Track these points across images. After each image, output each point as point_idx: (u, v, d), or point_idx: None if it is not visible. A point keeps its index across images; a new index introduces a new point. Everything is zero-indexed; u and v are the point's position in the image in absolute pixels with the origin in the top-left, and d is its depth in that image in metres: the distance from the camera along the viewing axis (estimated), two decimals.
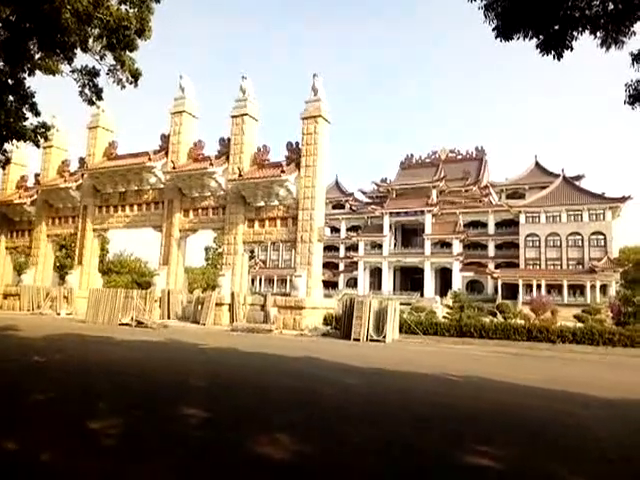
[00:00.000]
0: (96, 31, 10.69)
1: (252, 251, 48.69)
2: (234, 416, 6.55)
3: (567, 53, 5.88)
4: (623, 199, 51.80)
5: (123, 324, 23.71)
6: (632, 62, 6.16)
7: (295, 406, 7.34)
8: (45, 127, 13.70)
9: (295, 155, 28.06)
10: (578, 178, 58.88)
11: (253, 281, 63.59)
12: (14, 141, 13.57)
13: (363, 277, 62.16)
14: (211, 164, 28.72)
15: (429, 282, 58.25)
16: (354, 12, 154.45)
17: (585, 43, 6.41)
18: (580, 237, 52.89)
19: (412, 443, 5.51)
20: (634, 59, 6.13)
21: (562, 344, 19.33)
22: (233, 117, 29.87)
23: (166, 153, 31.47)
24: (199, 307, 26.97)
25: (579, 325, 22.95)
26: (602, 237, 52.06)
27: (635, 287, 42.33)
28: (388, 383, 9.93)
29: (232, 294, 26.68)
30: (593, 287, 48.93)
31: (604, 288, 49.07)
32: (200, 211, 30.50)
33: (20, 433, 5.25)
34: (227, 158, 29.59)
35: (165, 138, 32.15)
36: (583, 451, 5.46)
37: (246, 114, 29.49)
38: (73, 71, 11.71)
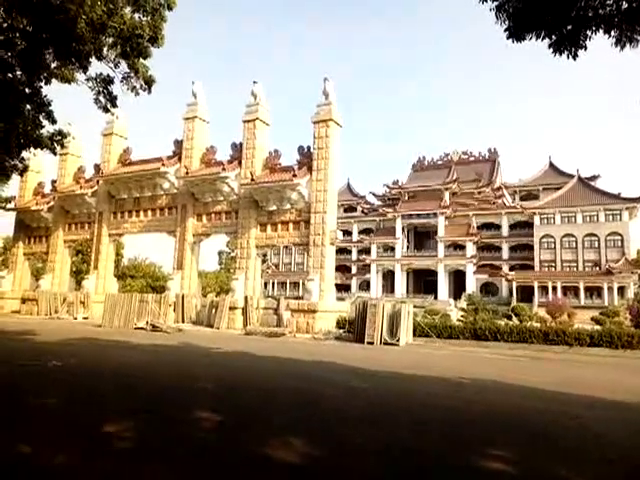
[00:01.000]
0: (110, 39, 10.87)
1: (265, 255, 48.88)
2: (246, 420, 6.57)
3: (581, 53, 5.83)
4: None
5: (138, 328, 23.95)
6: None
7: (306, 409, 7.34)
8: (61, 135, 13.95)
9: (306, 159, 28.15)
10: (593, 178, 58.08)
11: (266, 285, 63.82)
12: (31, 149, 13.83)
13: (376, 280, 61.98)
14: (224, 169, 28.94)
15: (442, 285, 57.85)
16: (356, 12, 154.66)
17: (599, 42, 6.35)
18: (596, 238, 52.13)
19: (421, 448, 5.47)
20: None
21: (579, 347, 19.01)
22: (245, 122, 30.08)
23: (179, 158, 31.80)
24: (213, 311, 27.11)
25: (597, 327, 22.57)
26: (619, 238, 51.25)
27: None
28: (400, 386, 9.87)
29: (245, 298, 26.78)
30: (610, 289, 48.15)
31: (622, 290, 48.27)
32: (213, 215, 30.73)
33: (35, 437, 5.33)
34: (239, 163, 29.79)
35: (178, 143, 32.50)
36: (585, 452, 5.39)
37: (257, 119, 29.67)
38: (88, 79, 11.91)
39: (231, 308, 26.78)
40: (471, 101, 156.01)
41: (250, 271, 28.66)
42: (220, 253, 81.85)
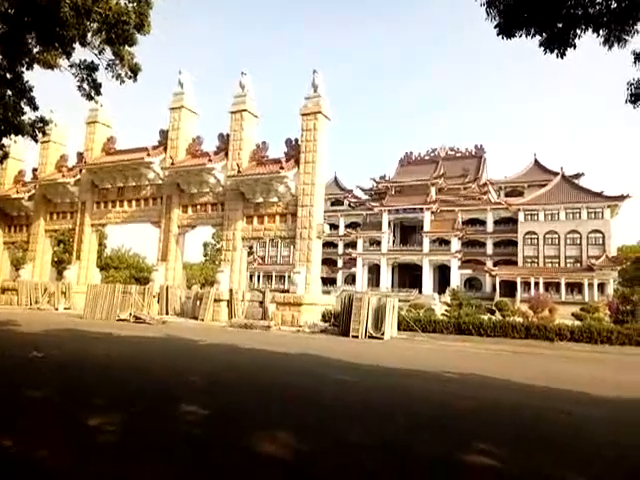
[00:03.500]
0: (95, 25, 10.59)
1: (251, 247, 48.59)
2: (232, 413, 6.54)
3: (570, 51, 5.86)
4: (622, 197, 51.90)
5: (121, 320, 23.69)
6: (634, 61, 6.13)
7: (292, 403, 7.33)
8: (43, 122, 13.61)
9: (294, 151, 28.01)
10: (577, 176, 58.92)
11: (251, 277, 63.61)
12: (12, 135, 13.48)
13: (362, 274, 62.19)
14: (210, 160, 28.65)
15: (427, 279, 58.33)
16: (354, 11, 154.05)
17: (587, 41, 6.38)
18: (579, 235, 52.99)
19: (408, 441, 5.51)
20: (636, 58, 6.10)
21: (560, 342, 19.38)
22: (232, 113, 29.79)
23: (165, 149, 31.39)
24: (197, 303, 26.95)
25: (577, 323, 23.00)
26: (600, 235, 52.16)
27: (633, 285, 42.47)
28: (386, 381, 9.93)
29: (230, 290, 26.67)
30: (591, 285, 49.07)
31: (602, 286, 49.21)
32: (199, 207, 30.45)
33: (17, 430, 5.23)
34: (226, 154, 29.53)
35: (164, 133, 32.06)
36: (577, 450, 5.47)
37: (245, 110, 29.40)
38: (72, 65, 11.62)
39: (216, 300, 26.65)
40: (460, 100, 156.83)
41: (236, 263, 28.52)
42: (205, 245, 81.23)
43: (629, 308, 26.88)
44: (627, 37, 5.73)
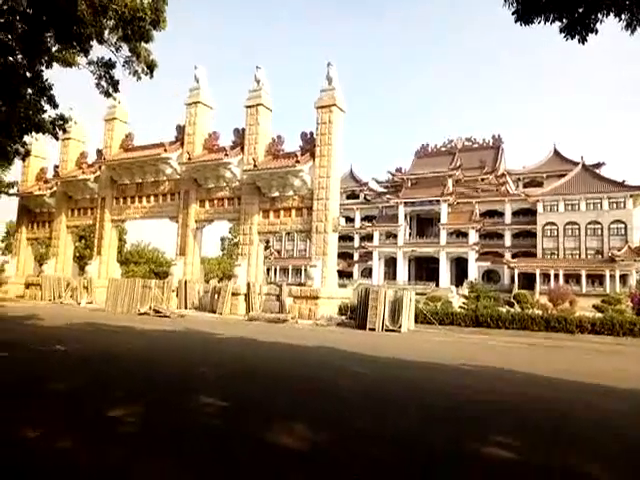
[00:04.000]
0: (111, 23, 10.71)
1: (267, 241, 48.88)
2: (250, 405, 6.62)
3: (591, 37, 5.71)
4: None
5: (142, 313, 24.09)
6: None
7: (309, 395, 7.38)
8: (63, 119, 13.87)
9: (309, 145, 27.96)
10: (598, 166, 57.59)
11: (268, 271, 63.94)
12: (33, 133, 13.76)
13: (378, 267, 61.97)
14: (226, 155, 28.80)
15: (444, 272, 57.85)
16: (370, 2, 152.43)
17: (607, 26, 6.22)
18: (600, 226, 51.89)
19: (423, 433, 5.50)
20: None
21: (581, 334, 19.07)
22: (247, 107, 29.84)
23: (181, 144, 31.64)
24: (215, 297, 27.23)
25: (598, 315, 22.57)
26: (622, 226, 50.98)
27: None
28: (406, 374, 9.91)
29: (248, 284, 26.86)
30: (612, 277, 48.08)
31: (624, 278, 48.19)
32: (216, 202, 30.67)
33: (39, 421, 5.37)
34: (242, 149, 29.63)
35: (180, 129, 32.31)
36: (603, 444, 5.39)
37: (260, 104, 29.42)
38: (89, 63, 11.78)
39: (233, 294, 26.88)
40: (478, 91, 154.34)
41: (252, 257, 28.69)
42: (223, 239, 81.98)
43: None
44: None
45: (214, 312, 26.29)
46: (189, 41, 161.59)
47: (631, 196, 51.16)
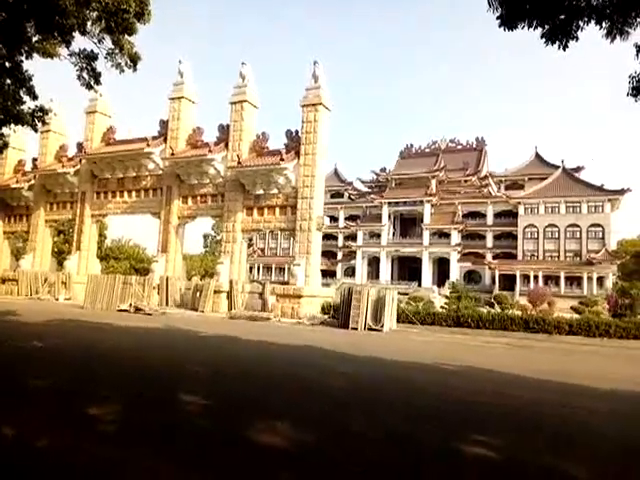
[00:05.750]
0: (94, 14, 10.51)
1: (250, 239, 48.58)
2: (232, 404, 6.59)
3: (572, 43, 5.82)
4: (622, 191, 51.76)
5: (122, 310, 23.75)
6: (636, 53, 6.09)
7: (292, 394, 7.38)
8: (43, 111, 13.56)
9: (294, 143, 27.91)
10: (578, 170, 58.74)
11: (251, 269, 63.69)
12: (12, 125, 13.45)
13: (361, 266, 62.23)
14: (210, 151, 28.57)
15: (427, 272, 58.38)
16: (357, 5, 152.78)
17: (590, 34, 6.35)
18: (578, 229, 52.95)
19: (409, 433, 5.55)
20: (638, 50, 6.06)
21: (558, 335, 19.45)
22: (232, 103, 29.65)
23: (165, 139, 31.28)
24: (197, 294, 27.00)
25: (576, 316, 23.06)
26: (600, 229, 52.12)
27: (632, 279, 42.54)
28: (385, 372, 9.98)
29: (230, 282, 26.70)
30: (590, 279, 49.13)
31: (601, 280, 49.28)
32: (199, 198, 30.41)
33: (18, 418, 5.27)
34: (226, 145, 29.43)
35: (164, 124, 31.93)
36: (580, 443, 5.50)
37: (245, 100, 29.25)
38: (71, 54, 11.55)
39: (216, 292, 26.70)
40: (462, 92, 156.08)
41: (235, 255, 28.54)
42: (205, 236, 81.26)
43: (628, 302, 26.96)
44: (629, 29, 5.69)
45: (196, 310, 26.07)
46: (175, 35, 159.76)
47: (609, 200, 52.31)
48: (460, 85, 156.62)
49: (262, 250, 69.59)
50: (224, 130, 30.04)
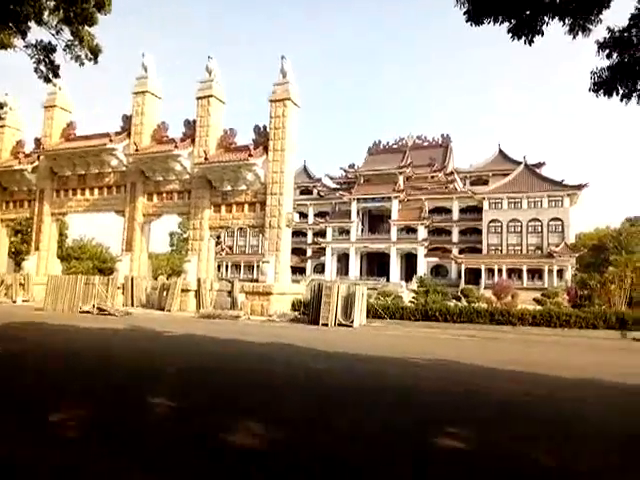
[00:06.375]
0: (52, 3, 10.06)
1: (218, 236, 47.92)
2: (203, 405, 6.44)
3: (538, 38, 5.94)
4: (580, 186, 53.73)
5: (84, 312, 22.98)
6: (598, 50, 6.27)
7: (263, 392, 7.28)
8: None
9: (263, 139, 27.62)
10: (539, 165, 60.58)
11: (219, 267, 62.87)
12: None
13: (331, 263, 62.42)
14: (176, 146, 27.96)
15: (395, 267, 59.10)
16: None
17: (554, 30, 6.49)
18: (539, 223, 54.67)
19: (386, 427, 5.56)
20: (600, 47, 6.24)
21: (522, 326, 20.04)
22: (198, 99, 29.08)
23: (128, 134, 30.41)
24: (164, 294, 26.42)
25: (538, 308, 23.82)
26: (560, 223, 53.97)
27: (590, 271, 44.28)
28: (358, 367, 10.01)
29: (198, 280, 26.26)
30: (551, 271, 50.87)
31: (561, 272, 51.09)
32: (165, 195, 29.73)
33: None
34: (192, 141, 28.86)
35: (127, 119, 31.02)
36: (549, 430, 5.65)
37: (212, 95, 28.75)
38: (27, 46, 11.01)
39: (183, 290, 26.21)
40: (439, 90, 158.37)
41: (203, 253, 28.07)
42: (172, 234, 79.79)
43: (586, 293, 28.07)
44: (591, 26, 5.84)
45: (162, 309, 25.51)
46: (141, 30, 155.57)
47: (568, 195, 54.21)
48: (429, 81, 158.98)
49: (230, 248, 68.81)
50: (190, 126, 29.43)
